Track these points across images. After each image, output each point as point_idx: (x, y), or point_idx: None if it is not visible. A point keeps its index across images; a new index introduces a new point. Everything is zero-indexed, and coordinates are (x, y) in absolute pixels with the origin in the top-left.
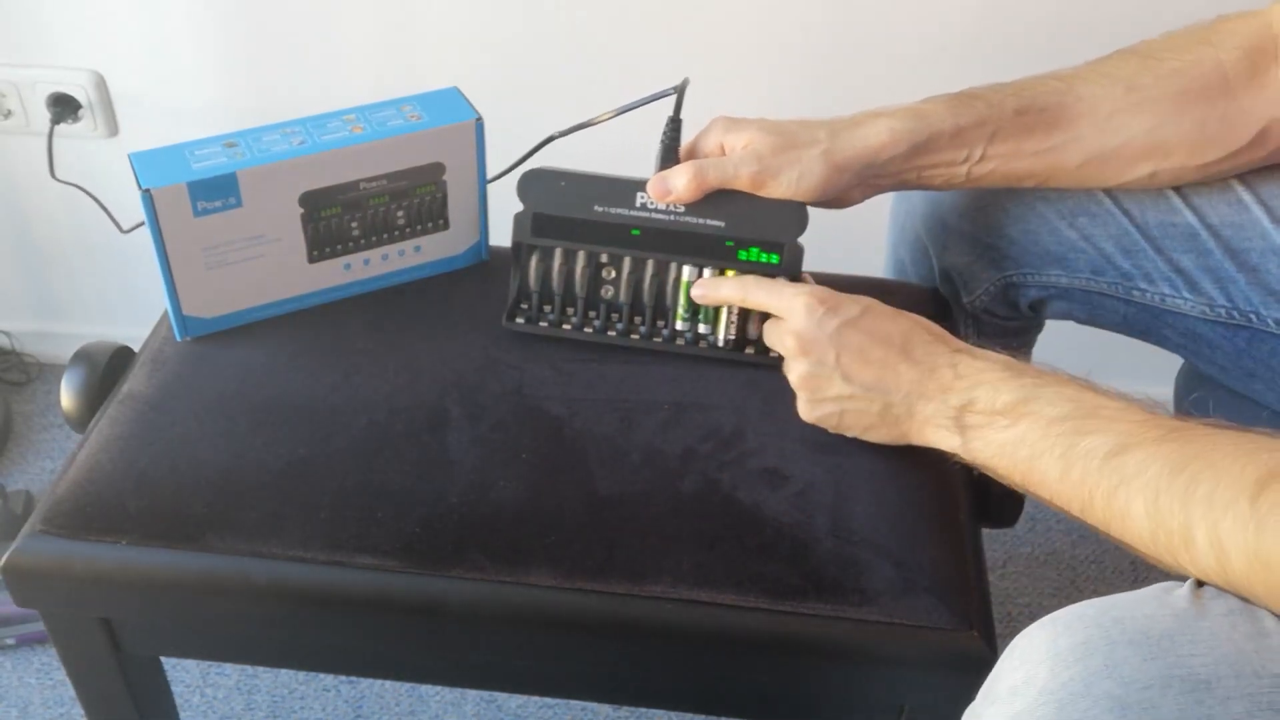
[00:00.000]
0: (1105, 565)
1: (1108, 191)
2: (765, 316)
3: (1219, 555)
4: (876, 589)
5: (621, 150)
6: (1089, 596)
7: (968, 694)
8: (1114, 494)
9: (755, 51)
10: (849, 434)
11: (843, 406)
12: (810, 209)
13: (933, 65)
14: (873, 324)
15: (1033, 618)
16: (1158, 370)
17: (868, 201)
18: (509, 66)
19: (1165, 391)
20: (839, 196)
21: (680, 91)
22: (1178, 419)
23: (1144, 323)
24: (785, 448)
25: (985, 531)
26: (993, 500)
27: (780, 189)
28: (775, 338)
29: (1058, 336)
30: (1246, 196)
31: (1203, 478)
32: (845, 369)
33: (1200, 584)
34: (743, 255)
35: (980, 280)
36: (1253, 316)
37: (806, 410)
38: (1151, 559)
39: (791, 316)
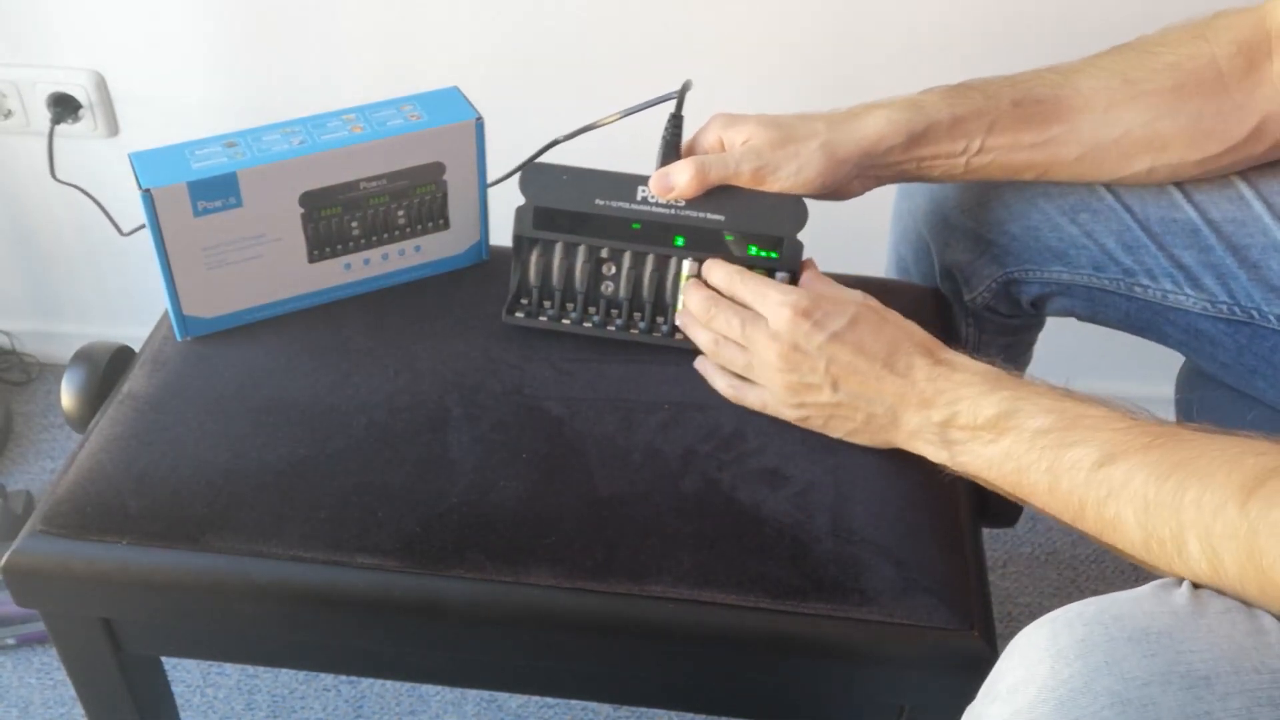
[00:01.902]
0: (1105, 565)
1: (1109, 187)
2: None
3: (1211, 560)
4: (876, 589)
5: (621, 147)
6: (1089, 596)
7: (968, 694)
8: (1104, 504)
9: (754, 49)
10: (832, 435)
11: (829, 413)
12: (811, 202)
13: (930, 61)
14: (859, 337)
15: (1033, 618)
16: (1159, 368)
17: (870, 200)
18: (509, 66)
19: (1167, 390)
20: (839, 188)
21: (682, 93)
22: (1160, 424)
23: (1145, 319)
24: (785, 448)
25: (985, 531)
26: (993, 500)
27: (780, 183)
28: (743, 331)
29: (1059, 334)
30: (1248, 192)
31: (1190, 484)
32: (834, 378)
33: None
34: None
35: (981, 277)
36: (1254, 313)
37: (792, 413)
38: (1146, 565)
39: (775, 324)
